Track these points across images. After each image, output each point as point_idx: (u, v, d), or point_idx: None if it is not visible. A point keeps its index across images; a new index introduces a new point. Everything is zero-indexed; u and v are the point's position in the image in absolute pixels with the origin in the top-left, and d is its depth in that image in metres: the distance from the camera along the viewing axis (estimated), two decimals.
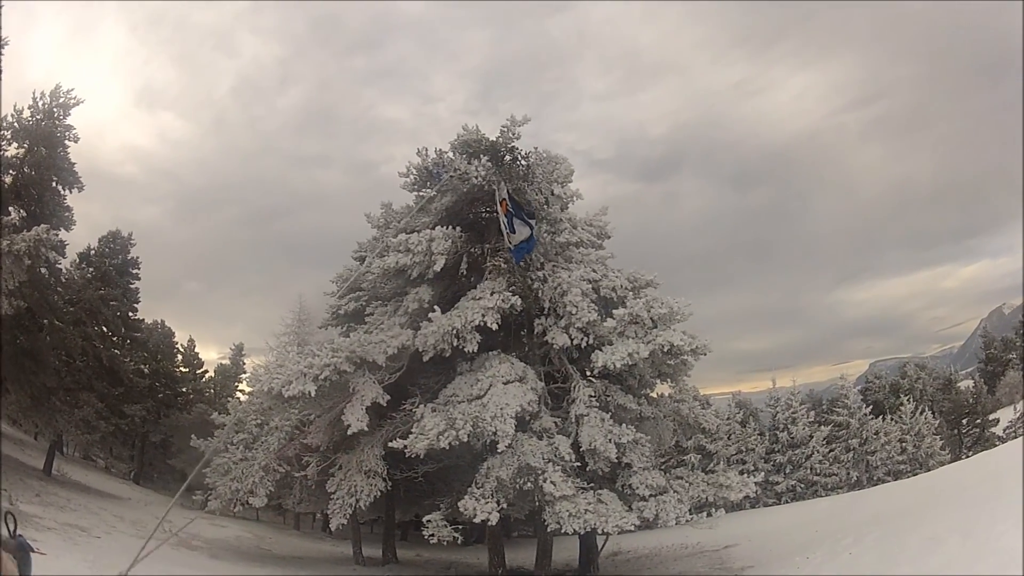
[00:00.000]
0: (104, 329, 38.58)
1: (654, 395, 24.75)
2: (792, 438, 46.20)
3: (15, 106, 27.99)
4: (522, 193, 22.87)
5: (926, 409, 48.22)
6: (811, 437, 45.72)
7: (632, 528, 19.72)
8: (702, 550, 27.75)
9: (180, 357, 51.85)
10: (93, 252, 39.52)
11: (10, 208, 26.58)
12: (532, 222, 22.33)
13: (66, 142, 28.90)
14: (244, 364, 54.86)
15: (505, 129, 21.95)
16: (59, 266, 31.64)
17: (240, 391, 50.72)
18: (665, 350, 20.28)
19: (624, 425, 21.06)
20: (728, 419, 46.43)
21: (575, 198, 24.69)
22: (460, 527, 21.16)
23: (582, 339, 21.57)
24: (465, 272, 23.36)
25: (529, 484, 19.76)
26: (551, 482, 19.29)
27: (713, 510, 21.19)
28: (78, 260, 38.47)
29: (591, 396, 21.49)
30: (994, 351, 68.76)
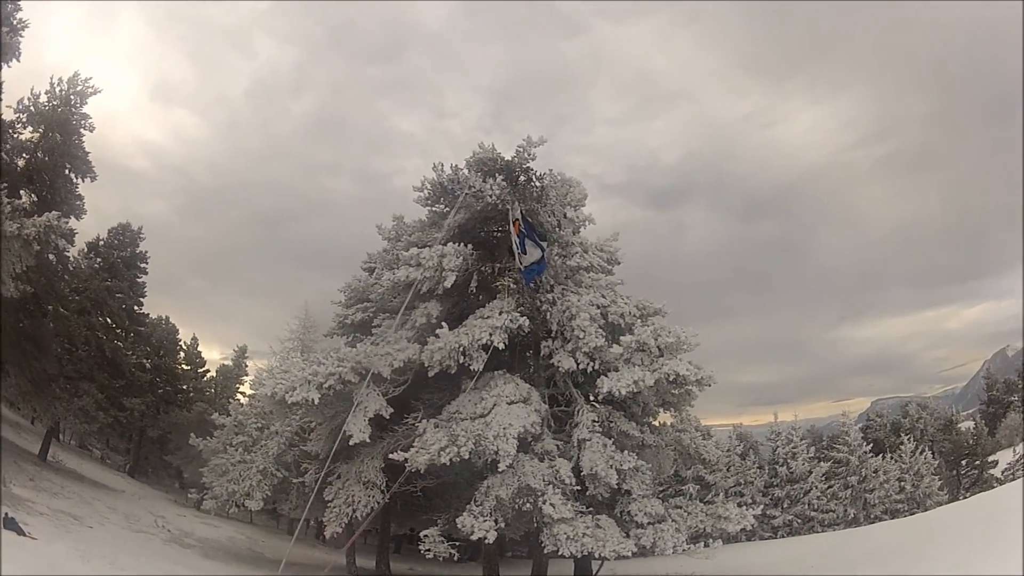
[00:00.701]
0: (108, 320, 38.67)
1: (656, 423, 24.74)
2: (791, 472, 46.00)
3: (32, 90, 27.99)
4: (535, 214, 22.92)
5: (926, 449, 47.96)
6: (810, 472, 45.51)
7: (629, 555, 19.63)
8: None
9: (182, 354, 51.72)
10: (102, 243, 39.70)
11: (21, 192, 26.52)
12: (544, 244, 22.32)
13: (81, 130, 28.85)
14: (246, 366, 54.89)
15: (521, 149, 22.04)
16: (67, 254, 31.54)
17: (241, 393, 50.63)
18: (670, 379, 20.31)
19: (626, 452, 21.03)
20: (728, 451, 46.21)
21: (587, 222, 24.65)
22: (456, 543, 21.13)
23: (588, 364, 21.57)
24: (475, 290, 23.40)
25: (528, 505, 19.74)
26: (550, 504, 19.29)
27: (710, 541, 20.99)
28: (86, 250, 38.62)
29: (594, 421, 21.47)
30: (996, 393, 68.19)
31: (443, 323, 21.28)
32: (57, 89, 28.16)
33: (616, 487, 20.55)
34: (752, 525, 22.48)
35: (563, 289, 23.25)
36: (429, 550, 20.48)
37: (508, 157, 22.14)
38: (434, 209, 24.43)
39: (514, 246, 21.86)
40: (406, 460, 19.45)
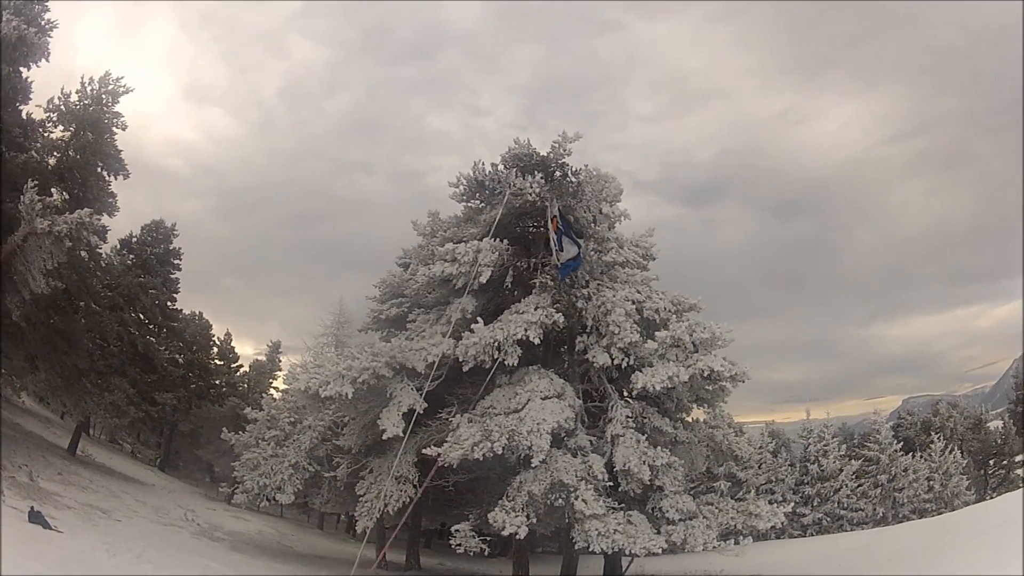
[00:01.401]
0: (141, 316, 39.10)
1: (689, 420, 24.68)
2: (822, 470, 45.71)
3: (62, 89, 28.30)
4: (571, 210, 22.87)
5: (955, 448, 47.57)
6: (841, 471, 45.22)
7: (659, 551, 19.56)
8: None
9: (216, 350, 52.20)
10: (135, 240, 39.99)
11: (53, 190, 26.75)
12: (580, 241, 22.29)
13: (113, 129, 29.12)
14: (280, 361, 55.39)
15: (556, 145, 21.91)
16: (99, 251, 31.82)
17: (274, 388, 50.91)
18: (705, 375, 20.23)
19: (659, 448, 21.02)
20: (760, 448, 46.08)
21: (623, 218, 24.43)
22: (487, 539, 21.17)
23: (623, 359, 21.45)
24: (510, 285, 23.43)
25: (560, 500, 19.70)
26: (582, 500, 19.26)
27: (740, 538, 20.86)
28: (119, 246, 38.93)
29: (628, 417, 21.48)
30: None
31: (478, 318, 21.33)
32: (88, 88, 28.44)
33: (648, 483, 20.49)
34: (782, 523, 22.41)
35: (598, 284, 23.12)
36: (460, 544, 20.48)
37: (543, 153, 22.03)
38: (469, 205, 24.43)
39: (552, 243, 21.86)
40: (439, 455, 19.48)
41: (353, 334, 40.10)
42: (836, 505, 44.59)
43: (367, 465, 23.91)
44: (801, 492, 45.67)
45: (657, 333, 21.11)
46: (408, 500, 22.40)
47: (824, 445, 46.53)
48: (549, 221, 21.73)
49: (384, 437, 20.79)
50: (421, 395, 21.03)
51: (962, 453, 47.98)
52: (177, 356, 44.16)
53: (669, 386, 20.38)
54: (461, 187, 23.56)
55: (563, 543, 23.84)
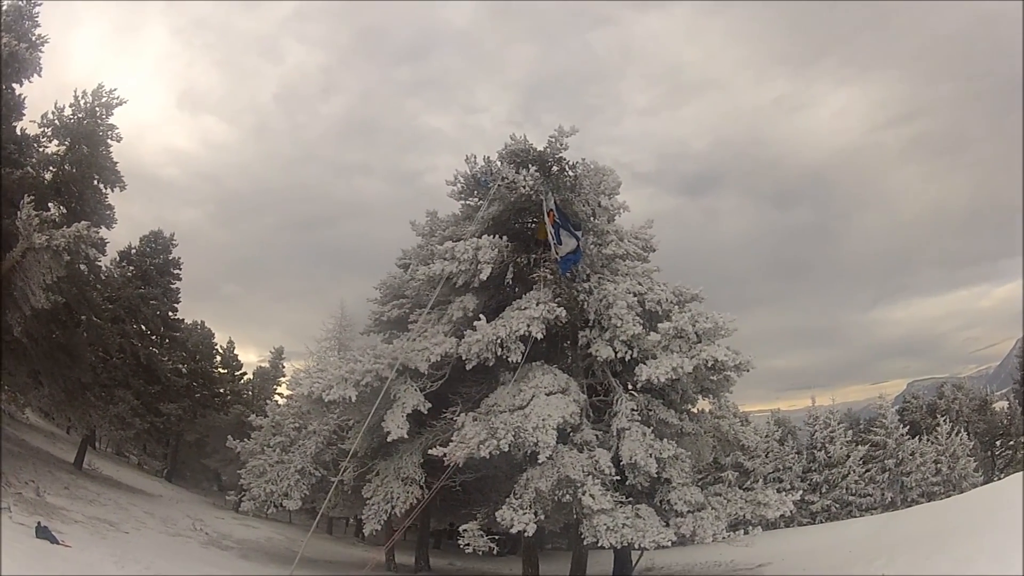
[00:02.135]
0: (143, 327, 39.08)
1: (695, 411, 24.64)
2: (829, 457, 45.51)
3: (56, 103, 28.25)
4: (569, 204, 22.78)
5: (961, 430, 47.49)
6: (848, 456, 45.01)
7: (668, 544, 19.54)
8: (735, 569, 27.42)
9: (219, 358, 52.11)
10: (134, 251, 40.09)
11: (50, 204, 26.70)
12: (578, 234, 22.24)
13: (108, 141, 29.07)
14: (283, 367, 55.32)
15: (553, 139, 21.89)
16: (99, 263, 31.81)
17: (279, 394, 50.86)
18: (709, 365, 20.25)
19: (665, 440, 20.96)
20: (766, 436, 45.90)
21: (622, 210, 24.34)
22: (495, 537, 21.14)
23: (626, 352, 21.41)
24: (511, 282, 23.31)
25: (568, 496, 19.68)
26: (590, 495, 19.21)
27: (750, 528, 20.80)
28: (118, 258, 38.96)
29: (633, 410, 21.40)
30: None
31: (480, 316, 21.30)
32: (82, 102, 28.37)
33: (656, 476, 20.48)
34: (791, 511, 22.33)
35: (599, 278, 23.11)
36: (468, 544, 20.58)
37: (540, 148, 21.99)
38: (468, 203, 24.48)
39: (549, 236, 21.83)
40: (445, 455, 19.46)
41: (355, 337, 40.14)
42: (844, 491, 44.36)
43: (373, 468, 23.89)
44: (809, 479, 45.47)
45: (660, 325, 21.15)
46: (416, 501, 22.42)
47: (830, 431, 46.33)
48: (545, 215, 21.71)
49: (389, 439, 20.81)
50: (423, 395, 21.05)
51: (968, 435, 47.87)
52: (180, 366, 43.95)
53: (673, 377, 20.37)
54: (458, 185, 23.60)
55: (572, 539, 23.81)
